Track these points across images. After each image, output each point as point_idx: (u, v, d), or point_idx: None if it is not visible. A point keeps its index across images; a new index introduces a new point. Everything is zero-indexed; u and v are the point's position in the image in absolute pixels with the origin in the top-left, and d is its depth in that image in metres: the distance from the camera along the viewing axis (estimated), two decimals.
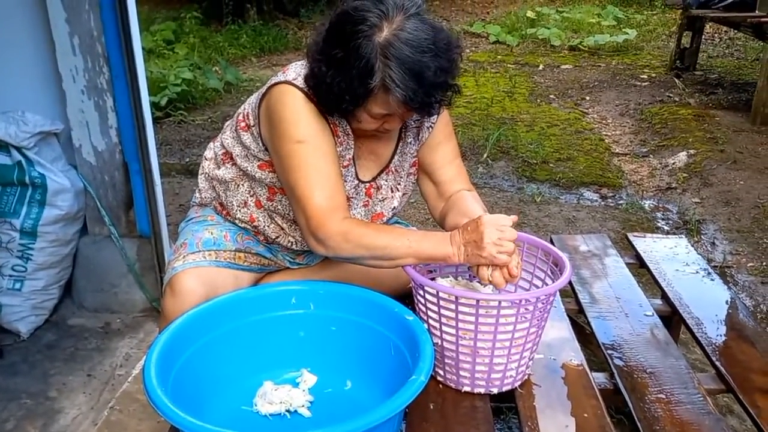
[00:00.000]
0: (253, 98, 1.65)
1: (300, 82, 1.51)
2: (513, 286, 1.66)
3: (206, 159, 1.79)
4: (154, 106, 5.00)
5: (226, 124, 1.77)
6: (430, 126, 1.71)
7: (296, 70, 1.55)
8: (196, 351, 1.45)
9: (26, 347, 2.42)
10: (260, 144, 1.60)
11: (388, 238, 1.46)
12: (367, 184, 1.68)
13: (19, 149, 2.33)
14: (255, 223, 1.68)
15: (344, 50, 1.39)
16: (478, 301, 1.38)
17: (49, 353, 2.40)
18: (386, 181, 1.71)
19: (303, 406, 1.49)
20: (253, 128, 1.61)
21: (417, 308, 1.52)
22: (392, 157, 1.70)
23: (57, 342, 2.46)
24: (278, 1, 9.41)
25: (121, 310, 2.60)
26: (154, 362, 1.31)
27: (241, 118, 1.67)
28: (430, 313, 1.47)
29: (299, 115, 1.49)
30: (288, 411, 1.48)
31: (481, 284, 1.67)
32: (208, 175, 1.77)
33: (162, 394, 1.22)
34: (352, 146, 1.60)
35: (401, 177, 1.73)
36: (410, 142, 1.72)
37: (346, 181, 1.61)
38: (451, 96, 1.51)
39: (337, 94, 1.42)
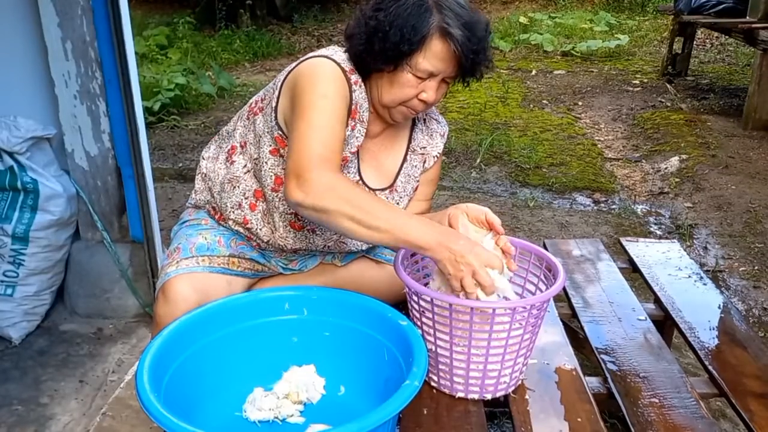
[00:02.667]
0: (271, 84, 1.67)
1: (337, 57, 1.55)
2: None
3: (204, 159, 1.78)
4: (147, 111, 4.99)
5: (233, 121, 1.77)
6: (436, 156, 1.79)
7: (329, 50, 1.60)
8: (189, 357, 1.45)
9: (18, 353, 2.41)
10: (272, 120, 1.58)
11: (374, 202, 1.40)
12: (367, 190, 1.68)
13: (11, 154, 2.32)
14: (248, 225, 1.68)
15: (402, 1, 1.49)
16: (472, 308, 1.38)
17: (40, 359, 2.38)
18: (387, 198, 1.72)
19: (293, 415, 1.48)
20: (268, 106, 1.62)
21: (411, 314, 1.52)
22: (396, 177, 1.73)
23: (49, 348, 2.45)
24: (271, 6, 9.42)
25: (114, 315, 2.59)
26: (147, 368, 1.30)
27: (252, 105, 1.70)
28: (424, 319, 1.47)
29: (330, 78, 1.52)
30: (277, 418, 1.47)
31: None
32: (205, 175, 1.76)
33: (155, 400, 1.21)
34: (362, 135, 1.62)
35: (402, 198, 1.75)
36: (416, 166, 1.76)
37: (348, 172, 1.63)
38: (489, 66, 1.59)
39: (396, 39, 1.47)
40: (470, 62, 1.51)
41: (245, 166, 1.67)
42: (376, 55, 1.51)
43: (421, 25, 1.47)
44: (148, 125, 4.04)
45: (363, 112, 1.59)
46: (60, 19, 2.23)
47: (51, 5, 2.22)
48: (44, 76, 2.34)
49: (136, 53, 2.35)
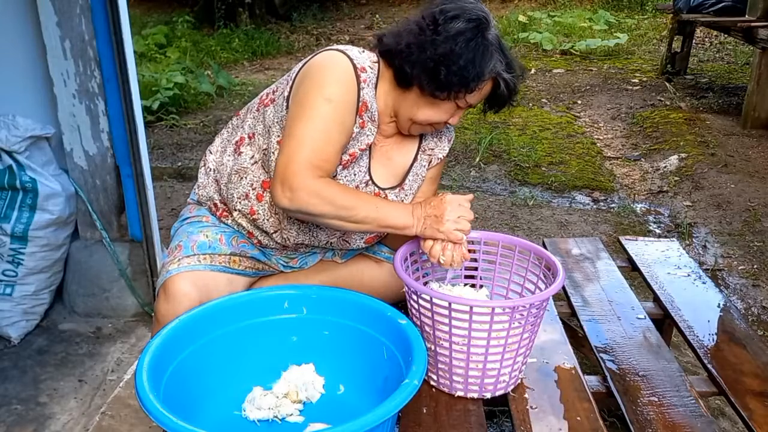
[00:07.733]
0: (284, 77, 1.68)
1: (351, 53, 1.56)
2: (504, 290, 1.67)
3: (210, 153, 1.79)
4: (146, 110, 4.98)
5: (241, 113, 1.78)
6: (439, 159, 1.81)
7: (346, 46, 1.61)
8: (189, 355, 1.45)
9: (17, 352, 2.41)
10: (283, 110, 1.59)
11: (355, 199, 1.52)
12: (376, 189, 1.68)
13: (9, 153, 2.32)
14: (254, 216, 1.67)
15: (474, 35, 1.50)
16: (471, 307, 1.38)
17: (40, 358, 2.38)
18: (396, 197, 1.73)
19: (292, 414, 1.48)
20: (280, 97, 1.62)
21: (410, 313, 1.52)
22: (406, 176, 1.74)
23: (48, 347, 2.45)
24: (270, 5, 9.41)
25: (113, 314, 2.59)
26: (146, 367, 1.30)
27: (263, 97, 1.71)
28: (423, 318, 1.47)
29: (339, 78, 1.53)
30: (276, 417, 1.47)
31: (474, 290, 1.68)
32: (211, 169, 1.76)
33: (154, 399, 1.21)
34: (374, 134, 1.63)
35: (407, 195, 1.76)
36: (424, 166, 1.78)
37: (360, 172, 1.64)
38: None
39: (469, 76, 1.50)
40: (510, 93, 1.61)
41: (253, 157, 1.67)
42: (438, 82, 1.51)
43: (486, 67, 1.52)
44: (147, 124, 4.04)
45: (373, 111, 1.59)
46: (59, 17, 2.23)
47: (50, 4, 2.21)
48: (43, 75, 2.34)
49: (134, 52, 2.34)
